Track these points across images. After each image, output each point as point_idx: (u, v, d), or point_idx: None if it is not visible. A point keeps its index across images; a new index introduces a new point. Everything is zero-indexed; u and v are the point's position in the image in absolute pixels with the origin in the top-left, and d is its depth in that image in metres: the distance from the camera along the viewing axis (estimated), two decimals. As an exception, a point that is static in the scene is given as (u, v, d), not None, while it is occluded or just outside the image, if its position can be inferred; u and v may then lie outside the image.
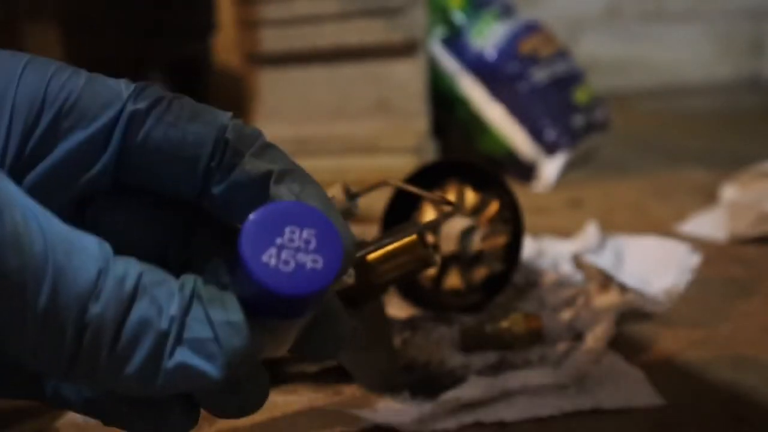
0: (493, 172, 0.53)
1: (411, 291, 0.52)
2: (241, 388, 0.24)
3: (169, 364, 0.21)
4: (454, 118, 1.01)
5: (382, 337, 0.43)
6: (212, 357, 0.21)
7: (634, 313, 0.49)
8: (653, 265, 0.58)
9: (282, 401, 0.41)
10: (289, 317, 0.23)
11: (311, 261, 0.22)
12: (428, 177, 0.53)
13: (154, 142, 0.25)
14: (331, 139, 0.96)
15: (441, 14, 1.00)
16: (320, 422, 0.39)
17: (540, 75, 0.98)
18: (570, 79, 1.02)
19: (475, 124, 1.00)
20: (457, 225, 0.52)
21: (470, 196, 0.53)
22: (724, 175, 0.79)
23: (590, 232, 0.65)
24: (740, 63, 1.90)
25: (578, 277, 0.55)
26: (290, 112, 0.98)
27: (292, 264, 0.22)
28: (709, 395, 0.39)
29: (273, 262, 0.21)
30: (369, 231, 0.52)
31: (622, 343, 0.45)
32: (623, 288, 0.51)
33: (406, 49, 0.94)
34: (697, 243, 0.63)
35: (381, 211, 0.53)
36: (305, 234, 0.22)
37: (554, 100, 0.99)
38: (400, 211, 0.53)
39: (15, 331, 0.20)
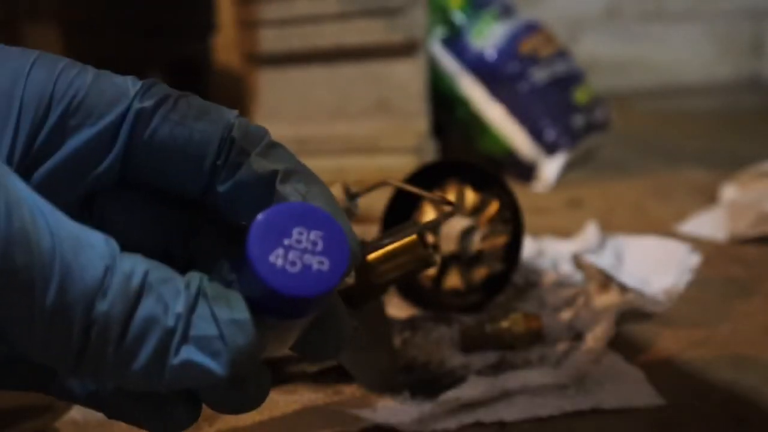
0: (493, 172, 0.53)
1: (411, 291, 0.52)
2: (243, 385, 0.24)
3: (175, 361, 0.21)
4: (454, 118, 1.01)
5: (382, 337, 0.43)
6: (217, 354, 0.21)
7: (634, 313, 0.49)
8: (653, 265, 0.58)
9: (282, 401, 0.41)
10: (292, 317, 0.23)
11: (317, 263, 0.22)
12: (428, 177, 0.53)
13: (160, 140, 0.25)
14: (331, 139, 0.96)
15: (441, 14, 1.00)
16: (320, 422, 0.39)
17: (540, 75, 0.98)
18: (570, 79, 1.02)
19: (475, 124, 1.00)
20: (457, 225, 0.52)
21: (470, 196, 0.53)
22: (724, 175, 0.79)
23: (590, 232, 0.65)
24: (740, 63, 1.90)
25: (578, 277, 0.55)
26: (290, 112, 0.98)
27: (299, 265, 0.22)
28: (709, 395, 0.39)
29: (280, 262, 0.22)
30: (369, 231, 0.52)
31: (622, 343, 0.45)
32: (623, 288, 0.51)
33: (406, 49, 0.94)
34: (697, 243, 0.63)
35: (381, 211, 0.53)
36: (313, 235, 0.22)
37: (554, 100, 0.99)
38: (400, 211, 0.53)
39: (23, 327, 0.20)
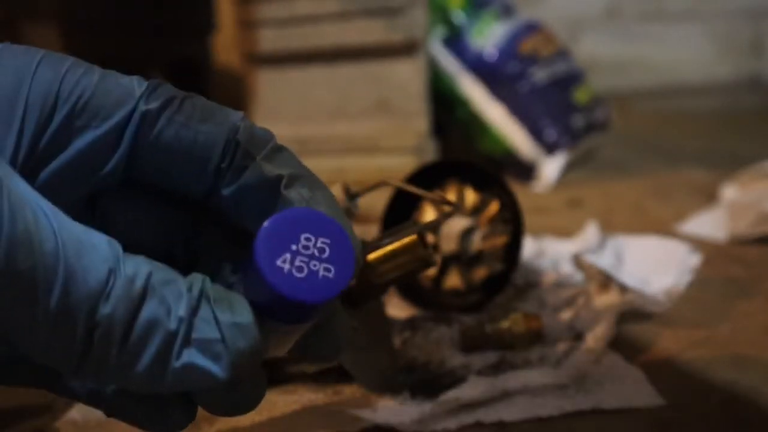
0: (493, 172, 0.53)
1: (411, 291, 0.52)
2: (240, 388, 0.24)
3: (177, 364, 0.21)
4: (454, 118, 1.01)
5: (382, 337, 0.43)
6: (218, 357, 0.21)
7: (634, 313, 0.49)
8: (653, 265, 0.58)
9: (282, 401, 0.41)
10: (295, 322, 0.23)
11: (324, 269, 0.22)
12: (428, 177, 0.53)
13: (165, 142, 0.25)
14: (331, 139, 0.96)
15: (441, 14, 1.00)
16: (320, 422, 0.39)
17: (540, 75, 0.98)
18: (570, 79, 1.02)
19: (475, 124, 1.00)
20: (457, 225, 0.52)
21: (470, 196, 0.53)
22: (724, 175, 0.79)
23: (590, 232, 0.65)
24: (740, 63, 1.90)
25: (578, 277, 0.55)
26: (290, 112, 0.98)
27: (305, 271, 0.22)
28: (709, 395, 0.39)
29: (287, 267, 0.22)
30: (369, 231, 0.52)
31: (622, 343, 0.45)
32: (623, 288, 0.51)
33: (406, 49, 0.94)
34: (697, 243, 0.63)
35: (381, 211, 0.53)
36: (320, 242, 0.22)
37: (554, 100, 0.99)
38: (400, 211, 0.53)
39: (26, 329, 0.20)
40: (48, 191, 0.23)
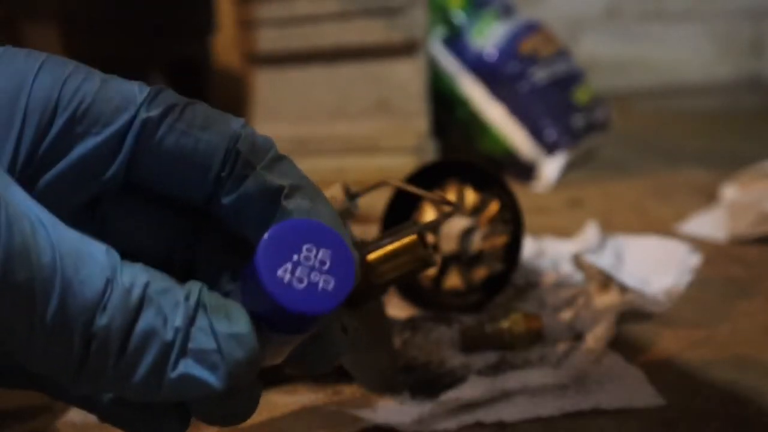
0: (493, 172, 0.53)
1: (411, 291, 0.52)
2: (235, 397, 0.24)
3: (173, 374, 0.21)
4: (454, 118, 1.01)
5: (382, 337, 0.43)
6: (214, 368, 0.21)
7: (634, 313, 0.49)
8: (653, 265, 0.58)
9: (282, 401, 0.41)
10: (293, 332, 0.23)
11: (323, 281, 0.22)
12: (428, 177, 0.53)
13: (165, 149, 0.25)
14: (331, 139, 0.96)
15: (441, 14, 1.00)
16: (320, 422, 0.39)
17: (540, 75, 0.98)
18: (570, 79, 1.02)
19: (475, 124, 1.00)
20: (457, 225, 0.52)
21: (470, 196, 0.53)
22: (724, 175, 0.79)
23: (590, 232, 0.65)
24: (740, 63, 1.90)
25: (578, 277, 0.55)
26: (290, 112, 0.98)
27: (305, 282, 0.22)
28: (709, 395, 0.39)
29: (287, 277, 0.22)
30: (369, 231, 0.52)
31: (622, 343, 0.45)
32: (623, 288, 0.51)
33: (406, 49, 0.94)
34: (697, 243, 0.63)
35: (381, 211, 0.53)
36: (321, 254, 0.22)
37: (554, 100, 0.99)
38: (400, 211, 0.53)
39: (23, 339, 0.20)
40: (47, 197, 0.23)
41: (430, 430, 0.37)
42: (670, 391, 0.39)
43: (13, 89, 0.24)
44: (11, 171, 0.24)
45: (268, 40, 0.96)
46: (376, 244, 0.37)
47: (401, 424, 0.37)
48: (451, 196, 0.53)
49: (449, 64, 1.00)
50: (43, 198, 0.23)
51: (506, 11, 1.03)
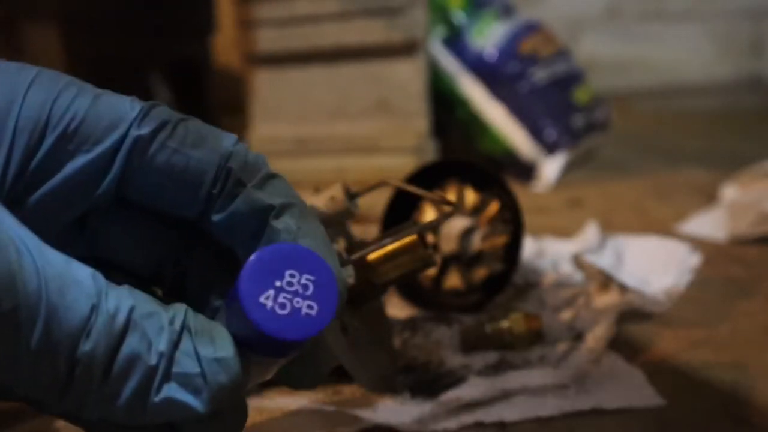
0: (493, 172, 0.53)
1: (411, 291, 0.52)
2: (221, 418, 0.24)
3: (156, 398, 0.21)
4: (454, 118, 1.01)
5: (382, 337, 0.43)
6: (198, 392, 0.21)
7: (634, 313, 0.49)
8: (653, 265, 0.58)
9: (282, 401, 0.41)
10: (276, 356, 0.23)
11: (307, 307, 0.22)
12: (428, 177, 0.53)
13: (156, 167, 0.25)
14: (331, 139, 0.96)
15: (441, 14, 1.00)
16: (320, 422, 0.39)
17: (540, 75, 0.98)
18: (570, 79, 1.02)
19: (475, 124, 1.00)
20: (457, 225, 0.52)
21: (470, 196, 0.53)
22: (724, 175, 0.79)
23: (590, 232, 0.65)
24: (740, 63, 1.90)
25: (578, 277, 0.55)
26: (290, 112, 0.98)
27: (288, 308, 0.22)
28: (709, 395, 0.39)
29: (270, 304, 0.22)
30: (369, 231, 0.52)
31: (622, 343, 0.45)
32: (623, 288, 0.51)
33: (406, 49, 0.94)
34: (697, 243, 0.63)
35: (381, 211, 0.53)
36: (304, 279, 0.22)
37: (554, 100, 0.99)
38: (400, 211, 0.53)
39: (8, 365, 0.20)
40: (37, 215, 0.23)
41: (430, 430, 0.37)
42: (670, 391, 0.39)
43: (3, 105, 0.24)
44: (0, 188, 0.24)
45: (268, 40, 0.96)
46: (376, 244, 0.37)
47: (401, 424, 0.37)
48: (451, 196, 0.53)
49: (449, 64, 1.00)
50: (33, 215, 0.23)
51: (506, 11, 1.03)
